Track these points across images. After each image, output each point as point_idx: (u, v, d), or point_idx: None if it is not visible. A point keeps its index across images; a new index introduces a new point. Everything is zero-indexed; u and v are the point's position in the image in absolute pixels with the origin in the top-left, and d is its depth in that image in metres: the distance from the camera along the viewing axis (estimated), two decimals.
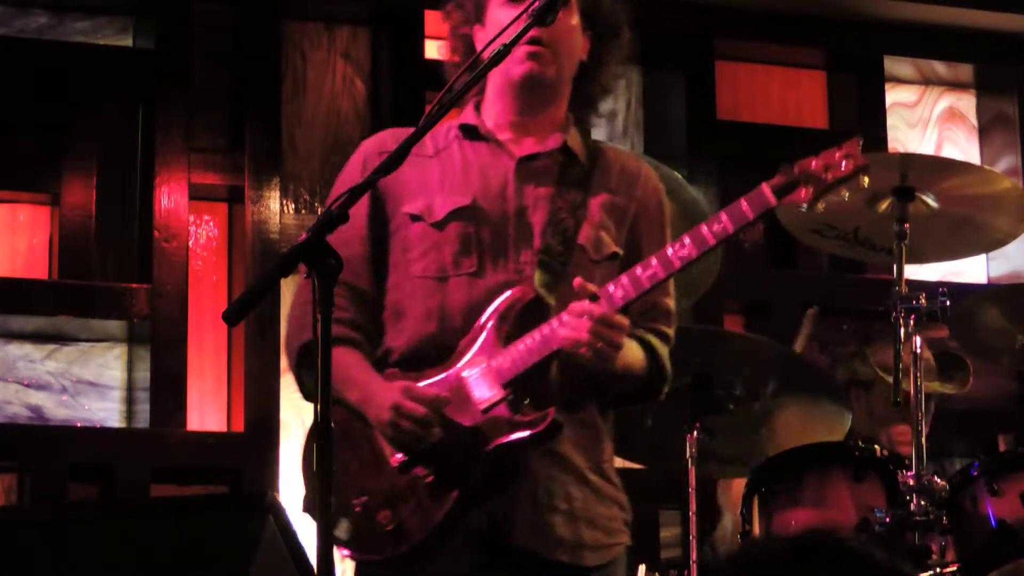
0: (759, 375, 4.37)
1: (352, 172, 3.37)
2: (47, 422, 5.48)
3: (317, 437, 2.65)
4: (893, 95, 6.59)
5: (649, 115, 6.29)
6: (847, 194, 3.10)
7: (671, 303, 3.37)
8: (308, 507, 3.21)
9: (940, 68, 6.63)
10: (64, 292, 5.48)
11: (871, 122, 6.42)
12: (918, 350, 3.94)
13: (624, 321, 3.10)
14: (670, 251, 3.11)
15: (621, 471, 5.22)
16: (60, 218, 5.59)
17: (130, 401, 5.59)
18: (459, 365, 3.19)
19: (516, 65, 3.25)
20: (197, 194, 5.66)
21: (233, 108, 5.76)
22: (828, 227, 4.23)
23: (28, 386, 5.51)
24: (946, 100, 6.70)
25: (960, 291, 4.44)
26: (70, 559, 2.85)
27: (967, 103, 6.73)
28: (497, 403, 3.14)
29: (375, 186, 3.26)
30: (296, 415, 5.62)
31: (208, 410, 5.64)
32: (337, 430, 3.22)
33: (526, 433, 3.12)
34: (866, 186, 3.10)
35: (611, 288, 3.12)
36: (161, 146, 5.61)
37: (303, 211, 5.72)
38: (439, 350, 3.22)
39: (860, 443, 4.21)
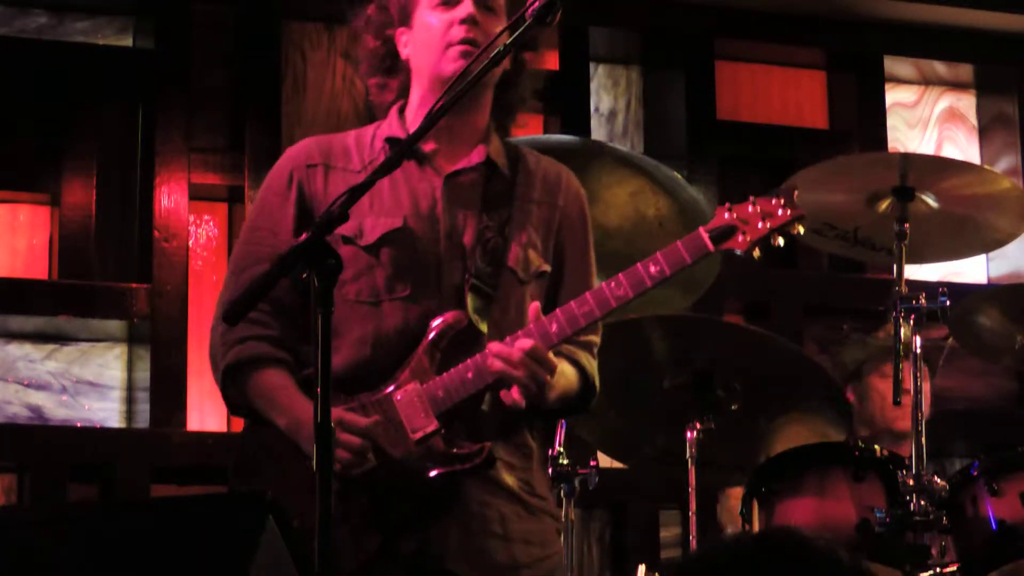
0: (761, 371, 4.36)
1: (277, 180, 3.36)
2: (47, 422, 5.48)
3: (317, 437, 2.65)
4: (893, 95, 6.59)
5: (649, 115, 6.29)
6: (782, 241, 3.17)
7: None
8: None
9: (940, 68, 6.63)
10: (64, 292, 5.48)
11: (871, 122, 6.43)
12: (918, 350, 3.95)
13: (554, 362, 3.14)
14: (606, 290, 3.15)
15: (619, 471, 5.25)
16: (60, 218, 5.59)
17: (130, 401, 5.59)
18: (391, 389, 3.20)
19: (449, 63, 3.25)
20: (197, 194, 5.66)
21: (233, 108, 5.76)
22: (828, 227, 4.24)
23: (28, 386, 5.51)
24: (946, 100, 6.71)
25: (960, 291, 4.43)
26: (70, 559, 2.85)
27: (967, 103, 6.73)
28: (431, 435, 3.16)
29: (304, 200, 3.30)
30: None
31: (208, 410, 5.64)
32: (270, 451, 3.25)
33: (460, 467, 3.15)
34: (801, 233, 3.19)
35: (548, 325, 3.15)
36: (161, 146, 5.61)
37: None
38: (372, 374, 3.22)
39: (860, 443, 4.21)
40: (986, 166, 5.75)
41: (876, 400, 4.89)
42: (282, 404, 3.22)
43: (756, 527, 4.09)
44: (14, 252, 5.61)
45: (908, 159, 4.14)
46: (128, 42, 5.80)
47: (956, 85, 6.71)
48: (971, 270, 6.51)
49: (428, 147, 3.31)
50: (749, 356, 4.31)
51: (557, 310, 3.16)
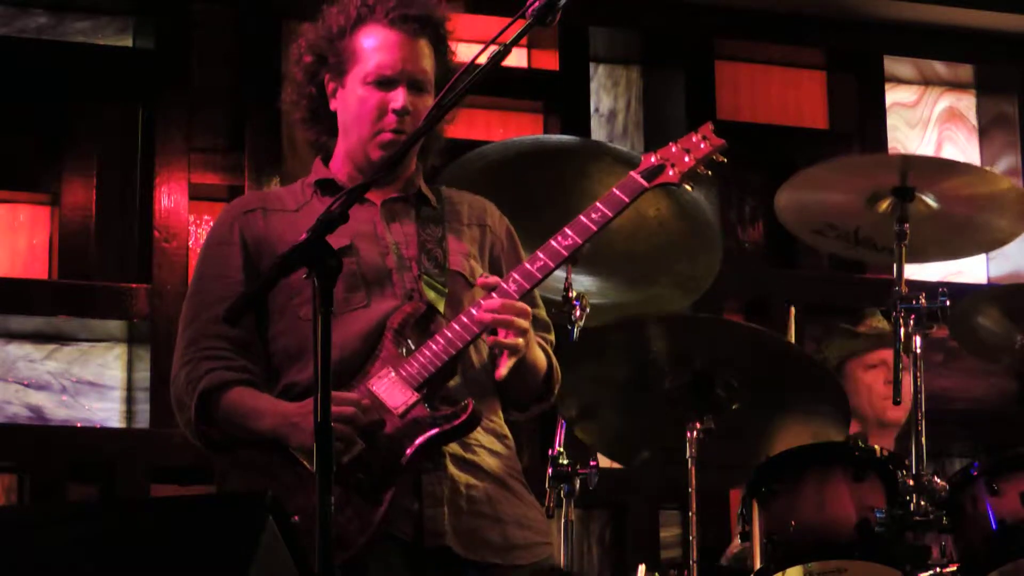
0: (761, 370, 4.37)
1: (219, 232, 3.48)
2: (47, 422, 5.48)
3: (316, 437, 2.65)
4: (893, 95, 6.59)
5: (649, 115, 6.29)
6: (710, 172, 3.42)
7: (544, 313, 3.57)
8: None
9: (940, 68, 6.63)
10: (64, 292, 5.48)
11: (871, 122, 6.43)
12: (918, 350, 3.95)
13: (526, 307, 3.27)
14: (554, 243, 3.30)
15: (619, 471, 5.25)
16: (60, 218, 5.59)
17: (130, 401, 5.59)
18: (367, 381, 3.27)
19: (374, 149, 3.39)
20: (197, 194, 5.66)
21: (233, 108, 5.76)
22: (829, 227, 4.24)
23: (28, 386, 5.51)
24: (946, 100, 6.71)
25: (960, 291, 4.44)
26: (70, 559, 2.85)
27: (967, 103, 6.73)
28: (413, 405, 3.22)
29: (247, 244, 3.40)
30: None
31: None
32: (253, 468, 3.29)
33: (448, 425, 3.22)
34: (724, 163, 3.45)
35: (505, 284, 3.28)
36: (161, 146, 5.61)
37: None
38: (344, 376, 3.27)
39: (860, 443, 4.21)
40: (986, 167, 5.75)
41: (863, 392, 4.90)
42: (262, 408, 3.30)
43: (756, 527, 4.09)
44: (14, 252, 5.61)
45: (908, 160, 4.14)
46: (128, 42, 5.80)
47: (956, 85, 6.71)
48: (971, 270, 6.51)
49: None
50: (749, 354, 4.31)
51: (512, 271, 3.32)
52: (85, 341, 5.58)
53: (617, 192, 3.36)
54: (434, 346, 3.26)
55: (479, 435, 3.34)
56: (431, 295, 3.36)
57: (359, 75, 3.40)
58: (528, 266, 3.30)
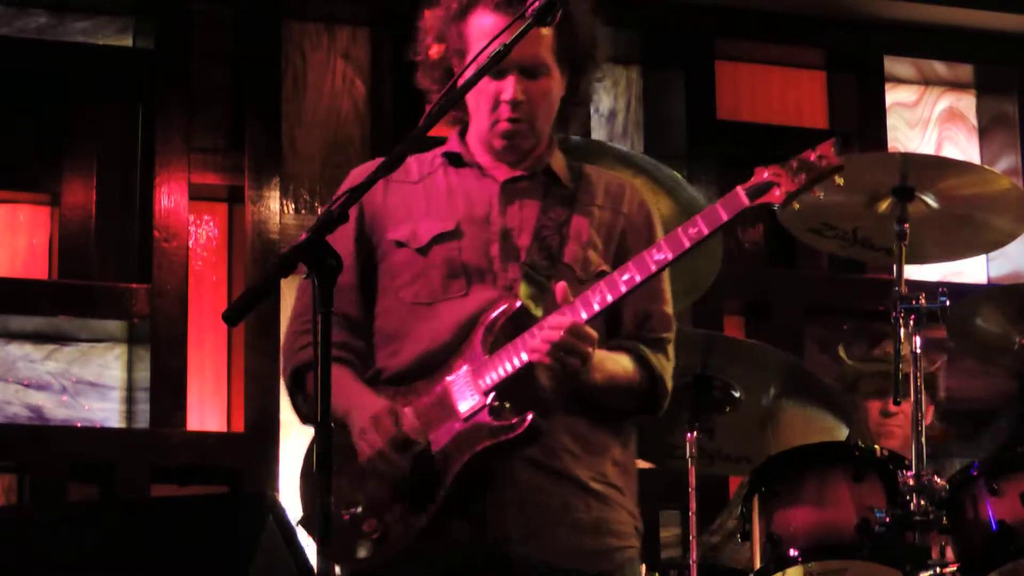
0: (758, 379, 4.38)
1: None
2: (47, 422, 5.48)
3: (317, 437, 2.65)
4: (893, 95, 6.59)
5: (649, 115, 6.29)
6: (821, 194, 3.15)
7: (668, 309, 3.38)
8: (306, 521, 3.24)
9: (940, 68, 6.63)
10: (64, 292, 5.48)
11: (871, 122, 6.43)
12: (918, 350, 3.94)
13: (592, 333, 3.11)
14: (647, 256, 3.14)
15: None
16: (60, 218, 5.59)
17: (130, 401, 5.59)
18: (446, 375, 3.21)
19: (495, 139, 3.31)
20: (197, 194, 5.66)
21: (233, 108, 5.76)
22: (827, 227, 4.23)
23: (28, 386, 5.51)
24: (946, 100, 6.71)
25: (960, 291, 4.43)
26: (70, 559, 2.85)
27: (967, 103, 6.73)
28: (478, 410, 3.15)
29: (362, 214, 3.35)
30: (296, 415, 5.62)
31: (208, 410, 5.64)
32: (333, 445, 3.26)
33: (504, 437, 3.13)
34: (841, 185, 3.16)
35: (589, 294, 3.14)
36: (161, 146, 5.61)
37: (303, 211, 5.72)
38: (430, 367, 3.24)
39: (860, 443, 4.21)
40: (986, 166, 5.74)
41: (862, 417, 4.88)
42: (340, 392, 3.19)
43: (756, 527, 4.09)
44: (14, 252, 5.61)
45: (908, 159, 4.13)
46: (128, 42, 5.80)
47: (956, 85, 6.71)
48: (971, 270, 6.51)
49: (483, 159, 3.36)
50: (745, 366, 4.34)
51: (600, 280, 3.15)
52: (85, 341, 5.58)
53: (719, 209, 3.16)
54: (512, 351, 3.15)
55: (562, 439, 3.21)
56: (530, 291, 3.23)
57: (481, 10, 3.29)
58: (616, 276, 3.13)
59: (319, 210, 5.65)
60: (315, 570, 2.61)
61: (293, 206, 5.73)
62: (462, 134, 3.41)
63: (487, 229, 3.29)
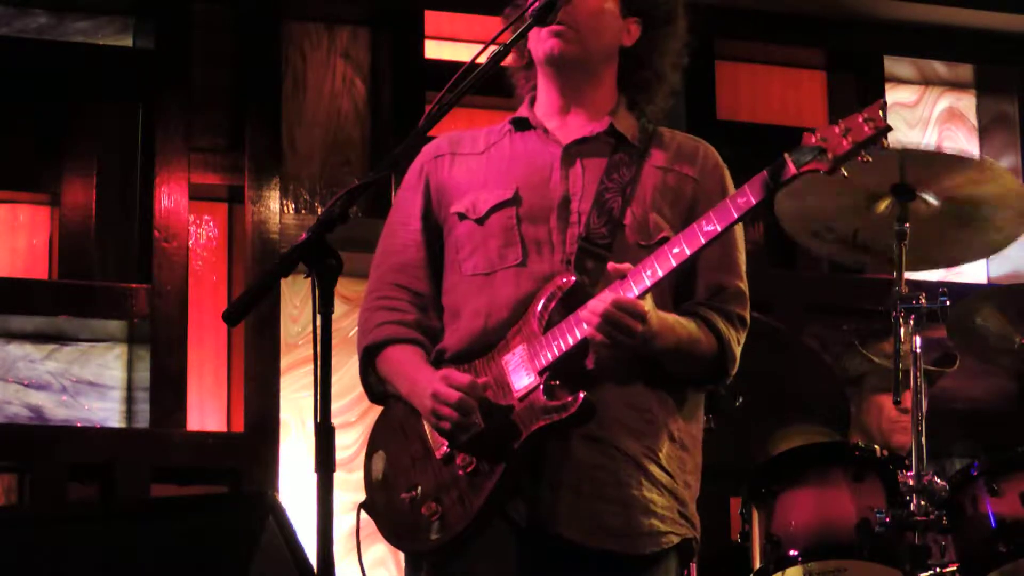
0: (762, 365, 4.36)
1: (409, 176, 3.42)
2: (47, 422, 5.47)
3: (317, 437, 2.65)
4: (893, 95, 6.59)
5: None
6: (870, 159, 3.01)
7: (741, 284, 3.29)
8: (368, 504, 3.26)
9: (940, 68, 6.63)
10: (64, 292, 5.48)
11: None
12: (918, 350, 3.94)
13: (641, 308, 3.03)
14: (695, 227, 3.06)
15: None
16: (60, 218, 5.59)
17: (130, 401, 5.59)
18: (502, 353, 3.19)
19: (539, 45, 3.25)
20: (197, 194, 5.66)
21: (233, 108, 5.76)
22: (827, 230, 4.23)
23: (28, 386, 5.51)
24: (946, 100, 6.71)
25: (960, 291, 4.43)
26: (70, 559, 2.85)
27: (967, 103, 6.73)
28: (532, 390, 3.12)
29: (430, 190, 3.36)
30: (296, 415, 5.62)
31: (208, 410, 5.64)
32: (395, 427, 3.27)
33: (557, 417, 3.09)
34: (887, 147, 3.03)
35: (641, 268, 3.07)
36: (161, 146, 5.61)
37: (303, 211, 5.72)
38: (486, 345, 3.22)
39: (860, 443, 4.21)
40: (986, 158, 5.71)
41: (874, 413, 4.88)
42: (405, 372, 3.25)
43: (756, 527, 4.09)
44: (14, 252, 5.61)
45: (905, 154, 4.10)
46: (128, 42, 5.80)
47: (956, 85, 6.71)
48: (971, 270, 6.50)
49: (550, 123, 3.32)
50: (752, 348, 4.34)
51: (651, 256, 3.07)
52: (85, 341, 5.58)
53: (767, 176, 3.05)
54: (566, 330, 3.10)
55: (618, 411, 3.15)
56: (587, 264, 3.17)
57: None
58: (667, 250, 3.04)
59: (319, 210, 5.65)
60: (315, 570, 2.61)
61: (293, 206, 5.73)
62: (532, 101, 3.38)
63: (546, 195, 3.25)
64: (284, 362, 5.62)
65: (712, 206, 3.11)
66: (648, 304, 3.06)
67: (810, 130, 3.06)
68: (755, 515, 4.10)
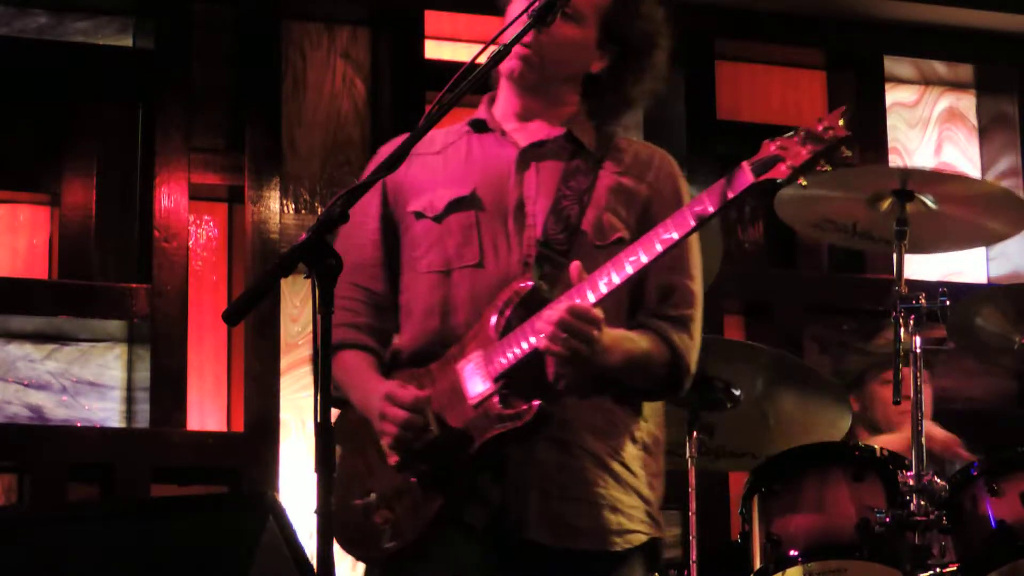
0: (757, 377, 4.38)
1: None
2: (47, 422, 5.48)
3: (316, 437, 2.65)
4: (893, 95, 6.59)
5: (649, 115, 6.28)
6: (829, 168, 2.98)
7: (692, 285, 3.28)
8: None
9: (940, 68, 6.63)
10: (64, 292, 5.48)
11: (871, 122, 6.42)
12: (918, 350, 3.95)
13: (597, 315, 3.02)
14: (652, 235, 3.05)
15: None
16: (60, 218, 5.59)
17: (130, 401, 5.59)
18: (458, 359, 3.17)
19: (506, 61, 3.19)
20: (197, 194, 5.66)
21: (233, 108, 5.76)
22: (827, 222, 4.24)
23: (28, 386, 5.51)
24: (946, 100, 6.71)
25: (960, 291, 4.44)
26: (70, 559, 2.85)
27: (967, 103, 6.73)
28: (487, 398, 3.10)
29: (385, 189, 3.34)
30: (296, 415, 5.62)
31: (208, 410, 5.64)
32: (350, 431, 3.25)
33: (511, 426, 3.07)
34: (849, 157, 2.99)
35: (597, 276, 3.05)
36: (161, 146, 5.61)
37: (303, 211, 5.73)
38: (443, 346, 3.20)
39: (860, 443, 4.22)
40: (986, 179, 5.73)
41: (879, 406, 4.88)
42: (355, 382, 3.25)
43: (756, 527, 4.09)
44: (14, 252, 5.61)
45: (907, 173, 4.11)
46: (128, 42, 5.80)
47: (956, 85, 6.71)
48: (971, 270, 6.51)
49: (508, 125, 3.32)
50: (748, 367, 4.35)
51: (608, 262, 3.06)
52: (85, 341, 5.58)
53: (724, 185, 3.00)
54: (521, 336, 3.08)
55: (580, 411, 3.14)
56: (544, 269, 3.17)
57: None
58: (623, 257, 3.03)
59: (319, 210, 5.65)
60: (315, 570, 2.61)
61: (293, 206, 5.73)
62: (491, 101, 3.38)
63: (504, 196, 3.25)
64: (284, 362, 5.62)
65: (666, 213, 3.10)
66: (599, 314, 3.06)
67: (784, 133, 3.03)
68: (755, 515, 4.10)
